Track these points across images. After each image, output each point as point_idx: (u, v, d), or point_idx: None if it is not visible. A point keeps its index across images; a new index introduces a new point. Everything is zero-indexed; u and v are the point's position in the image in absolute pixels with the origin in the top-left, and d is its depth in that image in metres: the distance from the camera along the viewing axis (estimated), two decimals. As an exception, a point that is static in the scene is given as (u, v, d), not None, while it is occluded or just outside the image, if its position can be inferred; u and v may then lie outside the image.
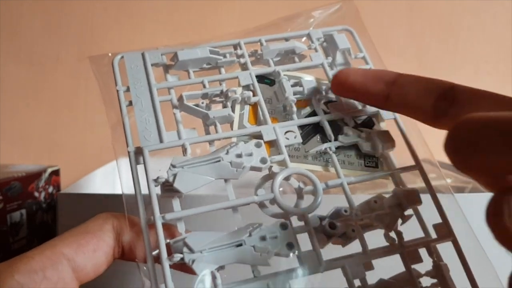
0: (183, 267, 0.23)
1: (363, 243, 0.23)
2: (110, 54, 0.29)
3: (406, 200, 0.24)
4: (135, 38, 0.69)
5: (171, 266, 0.22)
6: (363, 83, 0.25)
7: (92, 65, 0.29)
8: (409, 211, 0.25)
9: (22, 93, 0.67)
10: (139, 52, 0.29)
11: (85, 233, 0.23)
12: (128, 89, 0.27)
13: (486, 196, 0.31)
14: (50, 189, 0.51)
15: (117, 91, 0.27)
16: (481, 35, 0.72)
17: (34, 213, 0.48)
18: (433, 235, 0.24)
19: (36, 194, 0.48)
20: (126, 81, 0.28)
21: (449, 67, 0.72)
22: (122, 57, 0.28)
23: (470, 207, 0.24)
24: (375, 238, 0.25)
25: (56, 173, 0.52)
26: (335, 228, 0.24)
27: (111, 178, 0.54)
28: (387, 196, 0.25)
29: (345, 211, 0.25)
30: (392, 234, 0.24)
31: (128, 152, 0.25)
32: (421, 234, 0.25)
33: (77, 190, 0.40)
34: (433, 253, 0.24)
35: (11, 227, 0.45)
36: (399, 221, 0.24)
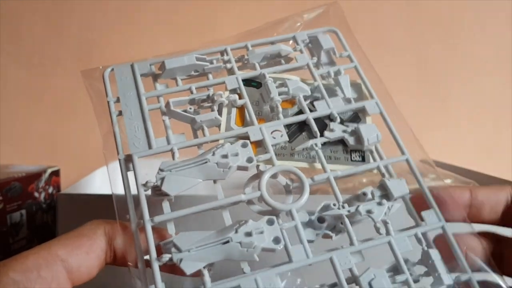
0: (173, 269, 0.23)
1: (350, 234, 0.23)
2: (101, 67, 0.30)
3: (392, 190, 0.24)
4: (135, 40, 0.69)
5: (162, 269, 0.22)
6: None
7: (84, 79, 0.30)
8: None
9: (22, 94, 0.68)
10: (128, 64, 0.30)
11: (79, 235, 0.24)
12: (118, 100, 0.28)
13: None
14: (50, 190, 0.51)
15: (108, 102, 0.28)
16: (481, 35, 0.72)
17: (34, 213, 0.48)
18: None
19: (36, 194, 0.48)
20: (117, 92, 0.29)
21: (449, 68, 0.72)
22: (112, 69, 0.29)
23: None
24: (366, 230, 0.25)
25: (56, 173, 0.52)
26: (323, 222, 0.25)
27: (111, 179, 0.53)
28: (375, 188, 0.25)
29: (334, 204, 0.25)
30: (381, 225, 0.24)
31: (119, 160, 0.26)
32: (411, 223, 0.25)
33: (77, 191, 0.41)
34: (422, 241, 0.23)
35: (11, 228, 0.45)
36: (387, 211, 0.24)
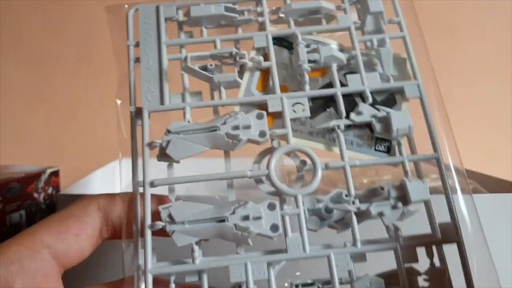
0: (166, 234, 0.22)
1: (355, 234, 0.22)
2: (126, 6, 0.28)
3: (412, 193, 0.22)
4: None
5: (156, 233, 0.22)
6: None
7: (108, 14, 0.28)
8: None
9: (22, 94, 0.67)
10: (154, 5, 0.27)
11: (67, 217, 0.22)
12: (138, 44, 0.26)
13: (486, 197, 0.28)
14: (50, 190, 0.50)
15: (128, 46, 0.26)
16: (481, 36, 0.70)
17: (33, 214, 0.47)
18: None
19: (36, 195, 0.48)
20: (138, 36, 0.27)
21: (449, 68, 0.69)
22: (137, 9, 0.27)
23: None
24: (377, 229, 0.23)
25: (55, 174, 0.51)
26: (330, 212, 0.23)
27: (110, 179, 0.53)
28: (393, 187, 0.23)
29: (346, 195, 0.23)
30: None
31: (130, 112, 0.25)
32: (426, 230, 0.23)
33: (77, 191, 0.40)
34: (432, 255, 0.21)
35: (11, 228, 0.44)
36: (401, 216, 0.22)
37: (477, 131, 0.68)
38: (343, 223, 0.23)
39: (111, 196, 0.24)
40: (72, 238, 0.22)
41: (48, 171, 0.50)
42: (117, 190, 0.25)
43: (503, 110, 0.69)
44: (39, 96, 0.67)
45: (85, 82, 0.67)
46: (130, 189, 0.23)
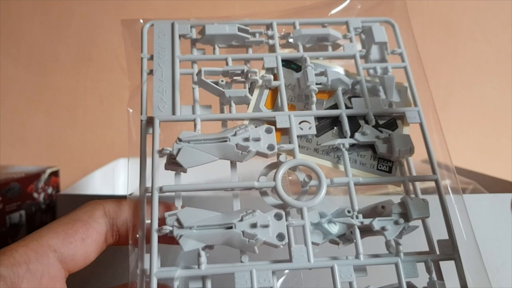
0: (173, 241, 0.23)
1: (358, 247, 0.22)
2: (141, 21, 0.29)
3: (413, 210, 0.23)
4: None
5: (161, 240, 0.22)
6: None
7: (123, 28, 0.29)
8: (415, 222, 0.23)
9: (21, 94, 0.67)
10: (169, 22, 0.29)
11: (73, 221, 0.22)
12: (152, 58, 0.27)
13: (486, 197, 0.30)
14: (50, 190, 0.50)
15: (142, 58, 0.27)
16: (481, 36, 0.70)
17: (33, 214, 0.47)
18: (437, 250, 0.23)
19: (36, 195, 0.48)
20: (152, 49, 0.28)
21: (449, 68, 0.70)
22: (152, 24, 0.28)
23: (470, 208, 0.23)
24: (378, 245, 0.24)
25: (55, 174, 0.51)
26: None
27: (110, 179, 0.53)
28: (396, 202, 0.24)
29: (349, 211, 0.24)
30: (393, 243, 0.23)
31: (141, 121, 0.26)
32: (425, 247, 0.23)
33: (77, 191, 0.40)
34: (431, 270, 0.22)
35: (10, 228, 0.44)
36: (402, 231, 0.23)
37: (477, 131, 0.69)
38: (345, 239, 0.24)
39: (117, 202, 0.24)
40: (79, 243, 0.22)
41: (48, 171, 0.50)
42: (117, 191, 0.25)
43: (503, 110, 0.69)
44: (39, 96, 0.67)
45: (85, 82, 0.67)
46: (137, 194, 0.24)
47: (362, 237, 0.23)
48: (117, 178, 0.54)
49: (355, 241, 0.23)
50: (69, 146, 0.68)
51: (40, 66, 0.67)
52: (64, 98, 0.67)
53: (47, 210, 0.50)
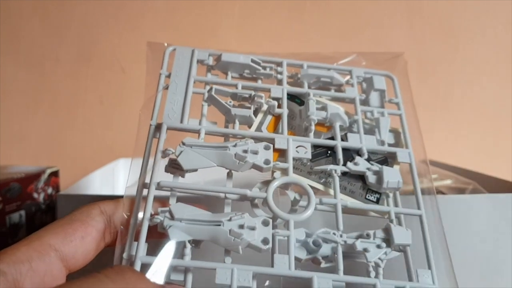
0: (163, 236, 0.23)
1: (338, 263, 0.23)
2: (166, 44, 0.32)
3: (395, 236, 0.24)
4: (134, 39, 0.68)
5: (153, 236, 0.23)
6: None
7: (148, 49, 0.32)
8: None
9: (21, 94, 0.67)
10: (190, 48, 0.31)
11: (71, 221, 0.23)
12: (169, 76, 0.30)
13: (486, 197, 0.30)
14: (49, 190, 0.50)
15: (160, 73, 0.30)
16: (481, 36, 0.70)
17: (33, 214, 0.47)
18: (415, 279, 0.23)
19: (35, 195, 0.48)
20: (171, 69, 0.30)
21: (449, 68, 0.70)
22: (175, 49, 0.31)
23: (470, 208, 0.23)
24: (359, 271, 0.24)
25: (55, 174, 0.52)
26: (318, 246, 0.24)
27: (110, 179, 0.53)
28: (378, 230, 0.24)
29: (334, 233, 0.25)
30: (373, 267, 0.23)
31: (150, 125, 0.27)
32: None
33: (77, 191, 0.40)
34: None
35: (10, 228, 0.44)
36: (384, 256, 0.23)
37: (477, 131, 0.68)
38: (327, 260, 0.24)
39: (114, 200, 0.25)
40: (78, 241, 0.22)
41: (48, 171, 0.50)
42: (117, 191, 0.26)
43: (503, 110, 0.69)
44: (39, 96, 0.67)
45: (85, 82, 0.67)
46: (134, 188, 0.25)
47: (344, 259, 0.23)
48: (117, 178, 0.54)
49: (337, 257, 0.23)
50: (69, 146, 0.67)
51: (40, 66, 0.67)
52: (64, 98, 0.67)
53: (47, 210, 0.50)
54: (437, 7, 0.69)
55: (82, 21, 0.67)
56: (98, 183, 0.47)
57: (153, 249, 0.23)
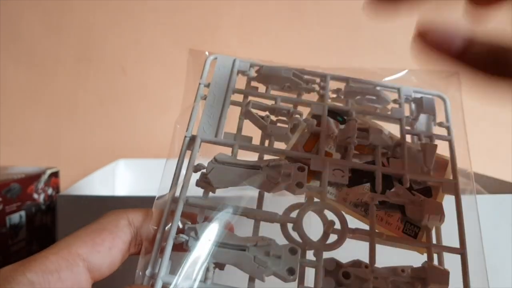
0: (186, 250, 0.23)
1: (368, 302, 0.22)
2: (207, 53, 0.31)
3: (432, 278, 0.22)
4: (134, 39, 0.67)
5: (178, 248, 0.22)
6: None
7: (190, 56, 0.31)
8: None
9: (21, 95, 0.67)
10: (231, 58, 0.31)
11: (100, 230, 0.23)
12: (208, 85, 0.29)
13: (486, 198, 0.28)
14: (50, 191, 0.50)
15: (199, 83, 0.29)
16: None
17: (33, 215, 0.47)
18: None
19: (36, 196, 0.48)
20: (210, 78, 0.30)
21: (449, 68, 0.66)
22: (216, 58, 0.31)
23: (470, 208, 0.23)
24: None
25: (55, 174, 0.52)
26: (348, 278, 0.23)
27: (110, 180, 0.53)
28: (415, 266, 0.23)
29: (366, 266, 0.23)
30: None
31: (185, 137, 0.27)
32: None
33: (77, 192, 0.39)
34: None
35: (10, 229, 0.44)
36: (417, 296, 0.22)
37: (477, 131, 0.65)
38: (356, 294, 0.23)
39: (141, 211, 0.25)
40: (106, 252, 0.22)
41: (48, 172, 0.50)
42: (117, 192, 0.26)
43: (503, 110, 0.67)
44: (39, 96, 0.67)
45: (85, 82, 0.67)
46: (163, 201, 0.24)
47: (374, 294, 0.22)
48: (117, 179, 0.55)
49: (366, 294, 0.22)
50: (69, 146, 0.67)
51: (40, 66, 0.67)
52: (64, 98, 0.67)
53: (47, 211, 0.50)
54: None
55: (82, 21, 0.67)
56: (98, 183, 0.47)
57: (177, 261, 0.23)
